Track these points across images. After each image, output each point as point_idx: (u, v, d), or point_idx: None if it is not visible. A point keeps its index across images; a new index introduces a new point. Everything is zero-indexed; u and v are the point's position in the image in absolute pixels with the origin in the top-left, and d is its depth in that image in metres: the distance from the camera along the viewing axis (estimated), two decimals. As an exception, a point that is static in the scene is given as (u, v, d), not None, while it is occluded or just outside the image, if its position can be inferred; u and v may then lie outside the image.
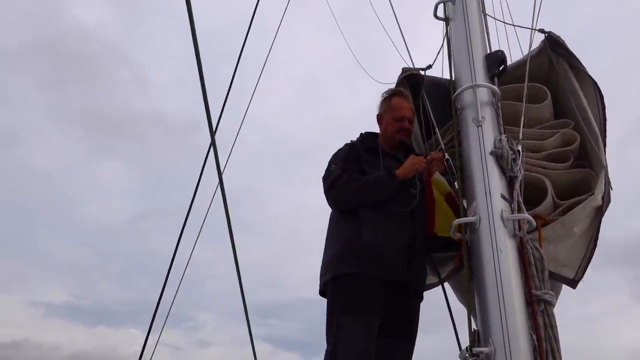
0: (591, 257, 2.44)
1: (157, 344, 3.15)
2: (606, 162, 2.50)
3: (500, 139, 2.24)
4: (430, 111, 2.79)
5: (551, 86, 2.86)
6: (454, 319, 2.75)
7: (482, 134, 2.28)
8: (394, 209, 2.54)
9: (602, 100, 2.63)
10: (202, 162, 2.53)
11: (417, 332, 2.59)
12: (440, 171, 2.63)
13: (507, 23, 3.29)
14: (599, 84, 2.65)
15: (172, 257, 2.60)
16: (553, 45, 2.80)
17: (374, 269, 2.44)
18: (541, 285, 2.02)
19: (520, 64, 2.83)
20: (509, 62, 2.61)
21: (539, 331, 1.91)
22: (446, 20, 2.80)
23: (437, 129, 2.69)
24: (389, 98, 2.86)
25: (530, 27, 2.84)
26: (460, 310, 2.68)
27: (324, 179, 2.66)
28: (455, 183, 2.40)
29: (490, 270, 1.99)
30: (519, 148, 2.26)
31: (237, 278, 2.54)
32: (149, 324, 2.57)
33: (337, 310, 2.41)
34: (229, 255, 2.37)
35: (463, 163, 2.36)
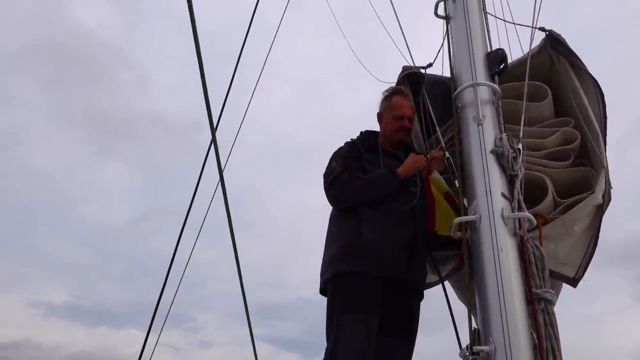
0: (592, 256, 2.44)
1: (156, 344, 3.15)
2: (607, 161, 2.49)
3: (500, 138, 2.24)
4: (431, 109, 2.79)
5: (552, 84, 2.85)
6: (455, 317, 2.76)
7: (483, 133, 2.28)
8: (394, 207, 2.54)
9: (603, 98, 2.63)
10: (203, 162, 2.53)
11: (417, 330, 2.59)
12: (440, 170, 2.63)
13: (507, 21, 3.28)
14: (599, 83, 2.65)
15: (172, 256, 2.60)
16: (554, 43, 2.79)
17: (374, 267, 2.44)
18: (541, 284, 2.02)
19: (521, 62, 2.82)
20: (509, 61, 2.61)
21: (539, 330, 1.91)
22: (447, 18, 2.80)
23: (437, 128, 2.69)
24: (389, 96, 2.86)
25: (531, 26, 2.84)
26: (460, 308, 2.68)
27: (325, 176, 2.66)
28: (456, 182, 2.40)
29: (490, 269, 1.99)
30: (520, 146, 2.25)
31: (238, 278, 2.54)
32: (149, 324, 2.57)
33: (337, 309, 2.41)
34: (229, 255, 2.37)
35: (463, 161, 2.36)
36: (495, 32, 2.99)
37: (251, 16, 2.95)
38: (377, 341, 2.36)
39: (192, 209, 2.66)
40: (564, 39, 2.78)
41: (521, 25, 3.09)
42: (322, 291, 2.58)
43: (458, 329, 2.64)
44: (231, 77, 2.79)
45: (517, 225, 2.08)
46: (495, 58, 2.48)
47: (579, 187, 2.52)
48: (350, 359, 2.30)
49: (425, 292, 2.69)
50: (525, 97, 2.57)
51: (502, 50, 2.52)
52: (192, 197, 2.63)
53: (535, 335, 1.89)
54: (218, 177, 2.09)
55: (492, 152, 2.22)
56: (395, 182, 2.55)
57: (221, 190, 2.13)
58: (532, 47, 2.82)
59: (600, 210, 2.45)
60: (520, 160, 2.21)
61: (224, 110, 2.66)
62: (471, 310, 2.09)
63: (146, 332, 2.58)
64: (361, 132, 2.91)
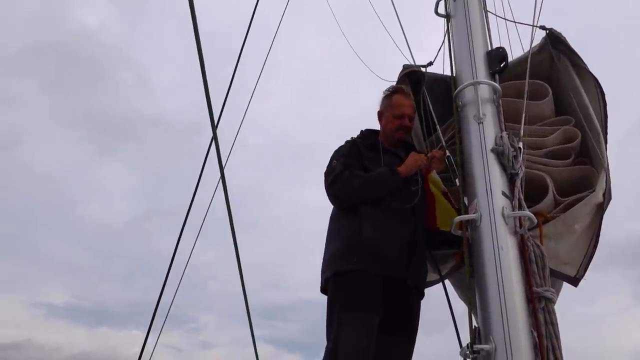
0: (593, 255, 2.44)
1: (156, 344, 3.15)
2: (607, 159, 2.49)
3: (501, 136, 2.24)
4: (431, 108, 2.79)
5: (552, 83, 2.85)
6: (455, 316, 2.76)
7: (483, 131, 2.28)
8: (394, 206, 2.54)
9: (604, 97, 2.63)
10: (204, 159, 2.53)
11: (417, 329, 2.59)
12: (440, 169, 2.63)
13: (508, 20, 3.28)
14: (599, 81, 2.65)
15: (172, 256, 2.59)
16: (554, 42, 2.79)
17: (375, 266, 2.44)
18: (542, 283, 2.01)
19: (522, 61, 2.82)
20: (510, 59, 2.61)
21: (539, 328, 1.90)
22: (447, 17, 2.80)
23: (437, 126, 2.68)
24: (389, 95, 2.86)
25: (532, 24, 2.83)
26: (461, 307, 2.68)
27: (326, 175, 2.66)
28: (456, 180, 2.40)
29: (491, 268, 1.99)
30: (520, 145, 2.26)
31: (239, 279, 2.54)
32: (147, 325, 2.57)
33: (337, 307, 2.41)
34: (231, 256, 2.37)
35: (464, 160, 2.36)
36: (495, 30, 2.99)
37: (251, 16, 2.95)
38: (377, 340, 2.36)
39: (193, 209, 2.66)
40: (565, 38, 2.78)
41: (522, 23, 3.10)
42: (323, 290, 2.58)
43: (458, 327, 2.64)
44: (231, 77, 2.79)
45: (518, 224, 2.08)
46: (496, 56, 2.48)
47: (580, 186, 2.52)
48: (351, 358, 2.29)
49: (426, 291, 2.68)
50: (525, 96, 2.57)
51: (503, 48, 2.52)
52: (192, 194, 2.63)
53: (535, 334, 1.89)
54: (218, 177, 2.09)
55: (492, 150, 2.22)
56: (396, 180, 2.55)
57: (222, 190, 2.14)
58: (533, 45, 2.82)
59: (601, 208, 2.45)
60: (520, 158, 2.22)
61: (225, 110, 2.67)
62: (471, 308, 2.09)
63: (146, 332, 2.58)
64: (361, 131, 2.91)
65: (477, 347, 1.91)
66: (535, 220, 2.14)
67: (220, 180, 2.16)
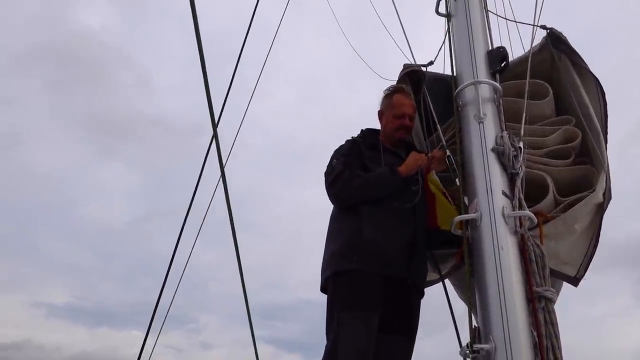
0: (593, 255, 2.44)
1: (155, 344, 3.14)
2: (607, 159, 2.49)
3: (501, 136, 2.24)
4: (432, 107, 2.78)
5: (553, 83, 2.85)
6: (455, 316, 2.76)
7: (484, 131, 2.28)
8: (395, 206, 2.54)
9: (604, 96, 2.62)
10: (204, 158, 2.53)
11: (417, 329, 2.59)
12: (440, 170, 2.62)
13: (509, 19, 3.27)
14: (600, 80, 2.65)
15: (171, 255, 2.59)
16: (555, 41, 2.79)
17: (375, 265, 2.44)
18: (542, 282, 2.01)
19: (522, 61, 2.82)
20: (510, 59, 2.61)
21: (539, 328, 1.91)
22: (448, 16, 2.80)
23: (438, 126, 2.68)
24: (390, 95, 2.86)
25: (532, 24, 2.83)
26: (461, 307, 2.68)
27: (326, 174, 2.66)
28: (457, 180, 2.39)
29: (491, 267, 1.99)
30: (521, 145, 2.26)
31: (239, 280, 2.54)
32: (147, 325, 2.56)
33: (337, 307, 2.41)
34: (231, 256, 2.38)
35: (464, 160, 2.35)
36: (496, 30, 2.99)
37: (251, 16, 2.94)
38: (377, 339, 2.36)
39: (193, 209, 2.66)
40: (565, 37, 2.77)
41: (522, 23, 3.09)
42: (323, 289, 2.58)
43: (458, 327, 2.64)
44: (231, 77, 2.79)
45: (518, 224, 2.08)
46: (497, 56, 2.48)
47: (580, 186, 2.52)
48: (350, 357, 2.29)
49: (426, 291, 2.69)
50: (526, 95, 2.56)
51: (504, 48, 2.52)
52: (192, 195, 2.63)
53: (535, 334, 1.89)
54: (219, 177, 2.09)
55: (493, 150, 2.22)
56: (396, 180, 2.55)
57: (222, 190, 2.14)
58: (534, 45, 2.81)
59: (601, 208, 2.45)
60: (521, 158, 2.22)
61: (225, 110, 2.66)
62: (471, 308, 2.09)
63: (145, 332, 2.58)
64: (362, 130, 2.91)
65: (477, 346, 1.91)
66: (536, 220, 2.14)
67: (221, 180, 2.16)
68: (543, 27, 2.81)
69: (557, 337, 1.93)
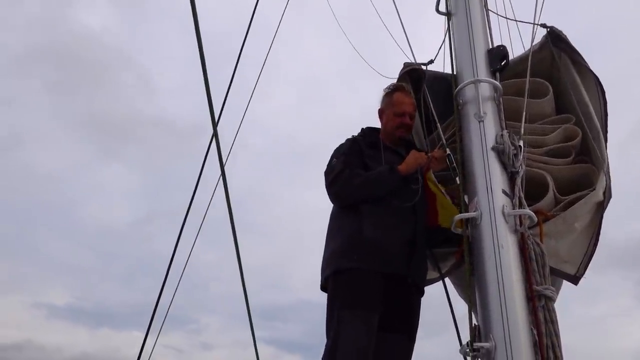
0: (593, 253, 2.44)
1: (154, 345, 3.14)
2: (607, 157, 2.49)
3: (501, 135, 2.24)
4: (432, 106, 2.78)
5: (553, 81, 2.85)
6: (455, 314, 2.76)
7: (484, 130, 2.28)
8: (395, 204, 2.54)
9: (604, 95, 2.62)
10: (204, 157, 2.53)
11: (417, 327, 2.59)
12: (440, 169, 2.62)
13: (509, 18, 3.27)
14: (600, 79, 2.65)
15: (171, 255, 2.59)
16: (555, 40, 2.79)
17: (375, 264, 2.44)
18: (542, 281, 2.02)
19: (522, 59, 2.82)
20: (510, 57, 2.60)
21: (539, 326, 1.91)
22: (448, 15, 2.80)
23: (438, 124, 2.68)
24: (390, 93, 2.86)
25: (532, 22, 2.83)
26: (461, 305, 2.68)
27: (326, 173, 2.66)
28: (457, 178, 2.39)
29: (491, 266, 1.99)
30: (521, 143, 2.26)
31: (240, 279, 2.53)
32: (147, 325, 2.56)
33: (337, 305, 2.41)
34: (231, 257, 2.37)
35: (464, 158, 2.35)
36: (496, 28, 2.98)
37: (251, 16, 2.94)
38: (378, 337, 2.37)
39: (193, 209, 2.65)
40: (565, 36, 2.77)
41: (522, 22, 3.09)
42: (323, 287, 2.59)
43: (459, 326, 2.64)
44: (231, 77, 2.79)
45: (518, 222, 2.08)
46: (497, 55, 2.48)
47: (580, 184, 2.52)
48: (350, 356, 2.30)
49: (426, 291, 2.69)
50: (526, 94, 2.56)
51: (504, 47, 2.52)
52: (192, 194, 2.63)
53: (535, 332, 1.90)
54: (219, 177, 2.09)
55: (493, 149, 2.22)
56: (396, 179, 2.55)
57: (222, 190, 2.14)
58: (534, 43, 2.81)
59: (601, 207, 2.45)
60: (521, 157, 2.22)
61: (225, 110, 2.65)
62: (471, 307, 2.09)
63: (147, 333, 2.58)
64: (362, 129, 2.91)
65: (477, 345, 1.91)
66: (536, 219, 2.14)
67: (221, 180, 2.16)
68: (543, 25, 2.81)
69: (557, 335, 1.94)
